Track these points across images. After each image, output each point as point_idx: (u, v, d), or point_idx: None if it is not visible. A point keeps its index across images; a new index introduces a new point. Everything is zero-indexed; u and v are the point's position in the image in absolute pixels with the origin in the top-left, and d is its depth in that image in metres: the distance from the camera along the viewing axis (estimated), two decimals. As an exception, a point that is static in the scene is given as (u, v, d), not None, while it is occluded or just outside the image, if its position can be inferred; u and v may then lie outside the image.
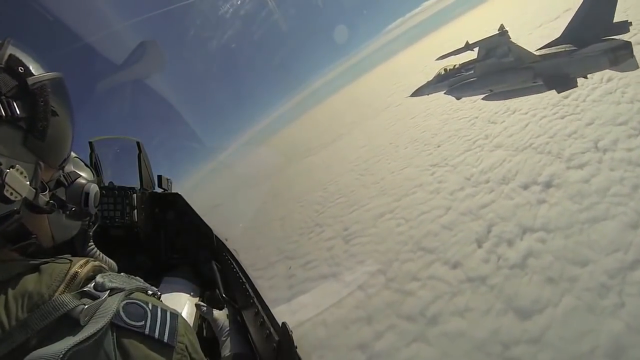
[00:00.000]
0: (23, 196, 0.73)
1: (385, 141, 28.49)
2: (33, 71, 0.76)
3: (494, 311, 10.76)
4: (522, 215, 13.58)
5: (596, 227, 11.66)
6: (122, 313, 0.70)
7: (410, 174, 21.16)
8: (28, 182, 0.74)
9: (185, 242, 2.54)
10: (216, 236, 2.50)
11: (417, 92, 16.16)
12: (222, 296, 2.04)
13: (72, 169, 0.97)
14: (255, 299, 1.78)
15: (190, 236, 2.54)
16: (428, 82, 15.42)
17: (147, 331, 0.71)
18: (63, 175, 0.91)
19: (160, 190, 2.64)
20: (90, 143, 2.38)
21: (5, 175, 0.68)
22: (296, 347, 1.33)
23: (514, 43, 11.84)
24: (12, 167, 0.70)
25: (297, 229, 21.26)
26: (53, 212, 0.83)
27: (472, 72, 13.48)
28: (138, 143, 2.52)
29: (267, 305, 1.69)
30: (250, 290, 1.88)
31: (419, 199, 18.35)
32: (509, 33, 11.80)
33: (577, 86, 12.17)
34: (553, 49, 12.10)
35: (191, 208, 2.57)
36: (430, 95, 15.88)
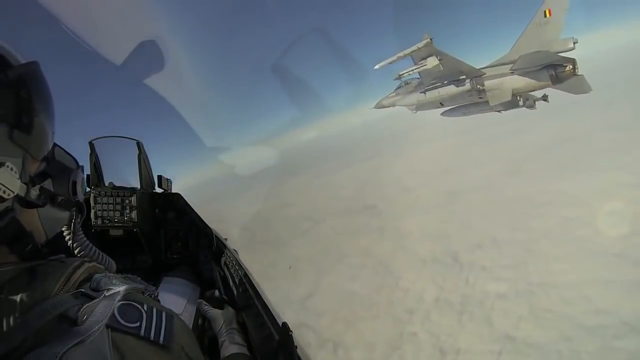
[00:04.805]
0: (15, 193, 0.71)
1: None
2: (10, 62, 0.74)
3: None
4: None
5: None
6: (117, 314, 0.69)
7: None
8: (19, 178, 0.72)
9: (185, 242, 2.55)
10: (216, 236, 2.49)
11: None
12: (222, 296, 2.03)
13: (57, 158, 0.93)
14: (255, 299, 1.78)
15: (190, 236, 2.55)
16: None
17: (142, 332, 0.70)
18: (48, 166, 0.88)
19: (160, 191, 2.65)
20: (90, 143, 2.37)
21: None
22: (296, 347, 1.32)
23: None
24: (2, 164, 0.68)
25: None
26: (45, 205, 0.82)
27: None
28: (138, 143, 2.52)
29: (267, 305, 1.68)
30: (250, 290, 1.88)
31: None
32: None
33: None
34: None
35: (191, 208, 2.58)
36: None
